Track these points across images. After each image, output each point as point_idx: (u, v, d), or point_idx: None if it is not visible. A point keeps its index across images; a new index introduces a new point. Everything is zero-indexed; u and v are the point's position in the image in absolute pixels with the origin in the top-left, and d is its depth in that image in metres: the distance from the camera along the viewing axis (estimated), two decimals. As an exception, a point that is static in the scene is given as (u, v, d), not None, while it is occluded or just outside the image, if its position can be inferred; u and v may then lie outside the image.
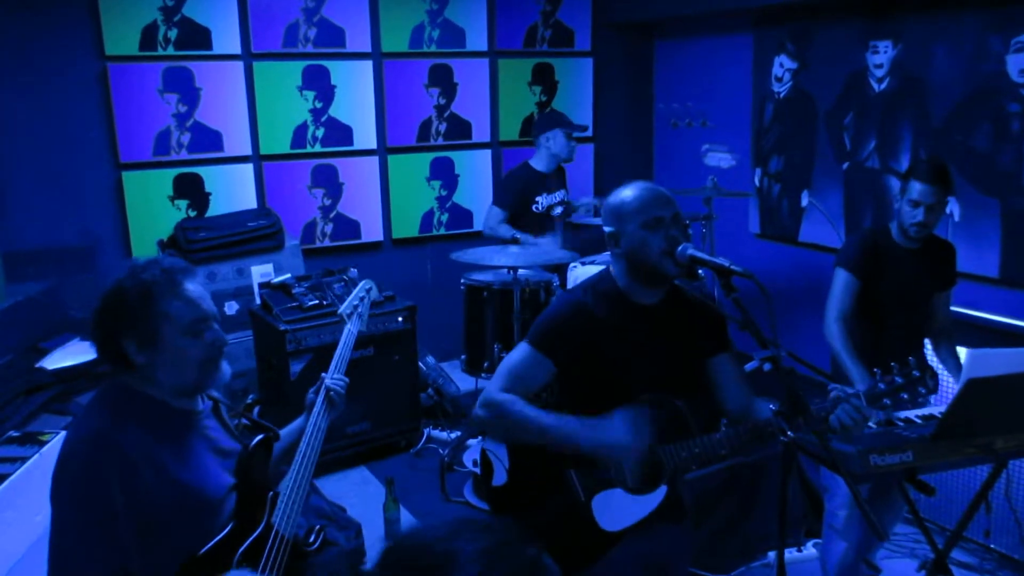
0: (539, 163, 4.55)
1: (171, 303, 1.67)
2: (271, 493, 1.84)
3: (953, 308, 3.28)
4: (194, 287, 1.72)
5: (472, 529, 0.98)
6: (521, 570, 0.95)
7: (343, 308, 2.35)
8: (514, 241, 4.26)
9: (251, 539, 1.73)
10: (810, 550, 3.59)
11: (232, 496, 1.78)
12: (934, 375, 2.04)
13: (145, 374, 1.69)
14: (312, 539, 1.94)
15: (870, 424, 2.56)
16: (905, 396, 2.03)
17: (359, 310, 2.37)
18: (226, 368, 1.80)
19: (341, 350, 2.20)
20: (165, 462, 1.64)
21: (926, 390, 2.04)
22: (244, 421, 2.06)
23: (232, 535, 1.72)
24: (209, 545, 1.67)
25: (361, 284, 2.48)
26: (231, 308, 4.23)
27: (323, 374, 2.11)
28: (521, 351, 2.12)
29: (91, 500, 1.55)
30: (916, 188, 2.90)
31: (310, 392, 2.08)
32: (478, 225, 5.33)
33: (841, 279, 3.03)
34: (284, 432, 2.06)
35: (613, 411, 2.05)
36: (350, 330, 2.29)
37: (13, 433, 2.97)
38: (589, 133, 5.65)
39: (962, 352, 3.13)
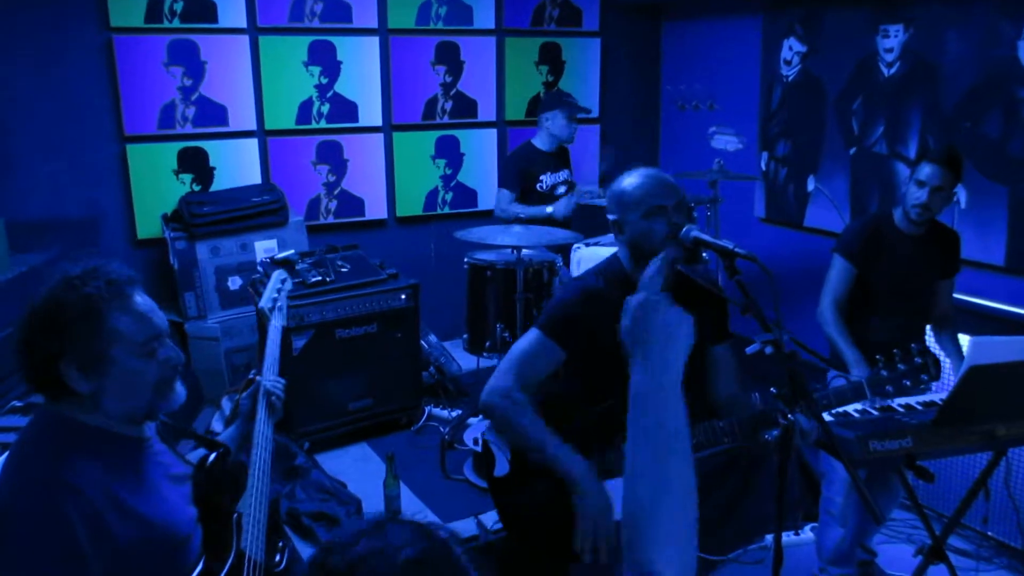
0: (541, 142, 4.54)
1: (120, 319, 1.45)
2: (235, 516, 1.67)
3: (957, 295, 3.27)
4: (143, 300, 1.52)
5: (401, 533, 0.95)
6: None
7: (263, 303, 2.22)
8: (550, 220, 4.25)
9: (225, 570, 1.57)
10: (807, 534, 3.61)
11: (199, 528, 1.61)
12: (936, 362, 2.04)
13: (88, 402, 1.46)
14: (278, 559, 1.77)
15: (871, 410, 2.57)
16: (907, 383, 2.03)
17: (278, 303, 2.25)
18: (180, 390, 1.59)
19: (271, 349, 2.07)
20: (127, 498, 1.44)
21: (928, 377, 2.04)
22: (200, 436, 1.89)
23: (206, 569, 1.56)
24: None
25: (274, 275, 2.35)
26: (234, 283, 4.23)
27: (257, 377, 1.95)
28: (531, 338, 2.12)
29: (53, 552, 1.33)
30: (924, 169, 2.88)
31: (243, 398, 1.93)
32: (483, 204, 5.32)
33: (838, 266, 3.03)
34: (228, 435, 1.93)
35: (606, 491, 2.06)
36: (275, 327, 2.14)
37: (16, 403, 2.99)
38: (595, 115, 5.62)
39: (964, 339, 3.13)
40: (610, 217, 2.16)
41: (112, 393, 1.47)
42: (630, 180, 2.12)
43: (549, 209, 4.34)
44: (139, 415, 1.54)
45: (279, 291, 2.29)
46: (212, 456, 1.70)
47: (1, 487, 1.41)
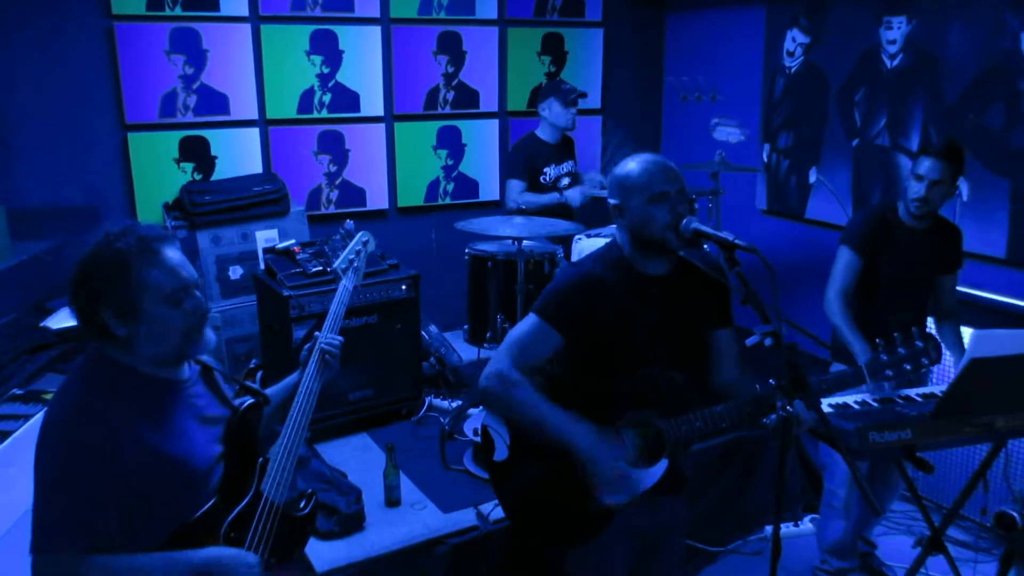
0: (544, 133, 4.54)
1: (149, 272, 1.61)
2: (260, 460, 1.80)
3: (959, 288, 3.27)
4: (173, 254, 1.66)
5: None
6: None
7: (338, 263, 2.21)
8: (563, 207, 4.23)
9: (239, 508, 1.70)
10: (807, 525, 3.63)
11: (220, 466, 1.74)
12: (937, 346, 2.04)
13: (126, 345, 1.63)
14: (303, 504, 1.89)
15: (870, 402, 2.57)
16: (908, 367, 2.02)
17: (355, 264, 2.24)
18: (211, 335, 1.73)
19: (336, 308, 2.10)
20: (146, 436, 1.60)
21: (929, 361, 2.03)
22: (244, 384, 1.98)
23: (220, 504, 1.69)
24: (196, 515, 1.65)
25: (357, 237, 2.33)
26: (235, 272, 4.23)
27: (316, 333, 2.02)
28: (529, 322, 2.10)
29: (73, 471, 1.52)
30: (924, 163, 2.88)
31: (305, 349, 2.01)
32: (484, 195, 5.31)
33: (844, 257, 3.03)
34: (275, 389, 2.00)
35: (618, 445, 2.05)
36: (345, 286, 2.17)
37: (16, 391, 3.00)
38: (597, 105, 5.61)
39: (966, 332, 3.13)
40: (611, 201, 2.13)
41: (144, 337, 1.63)
42: (633, 165, 2.10)
43: (563, 194, 4.34)
44: (170, 358, 1.69)
45: (358, 253, 2.28)
46: (248, 402, 1.84)
47: (48, 409, 1.62)
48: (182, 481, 1.65)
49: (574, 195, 4.38)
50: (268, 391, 1.97)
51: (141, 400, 1.63)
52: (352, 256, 2.26)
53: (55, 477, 1.53)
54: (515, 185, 4.45)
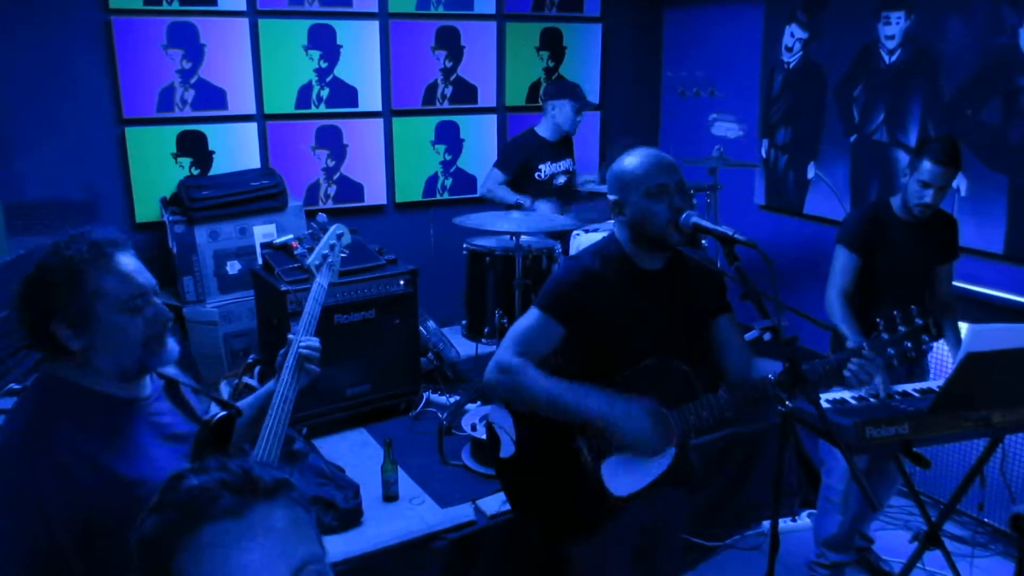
0: (544, 130, 4.53)
1: (103, 279, 1.50)
2: None
3: (957, 283, 3.27)
4: (128, 259, 1.56)
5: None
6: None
7: (311, 259, 2.11)
8: (517, 207, 4.24)
9: None
10: (804, 520, 3.64)
11: None
12: (937, 323, 2.05)
13: (82, 360, 1.52)
14: None
15: (868, 398, 2.58)
16: (909, 344, 2.02)
17: (329, 260, 2.15)
18: (173, 345, 1.61)
19: (311, 307, 2.00)
20: (103, 460, 1.49)
21: (929, 337, 2.04)
22: (214, 396, 1.86)
23: None
24: None
25: (331, 230, 2.22)
26: (233, 267, 4.22)
27: (290, 335, 1.92)
28: (531, 316, 2.10)
29: (22, 506, 1.41)
30: (928, 169, 2.87)
31: (280, 354, 1.92)
32: (483, 190, 5.31)
33: (842, 257, 3.03)
34: (248, 402, 1.91)
35: (638, 399, 2.02)
36: (319, 284, 2.08)
37: (15, 386, 2.99)
38: (595, 100, 5.60)
39: (963, 327, 3.13)
40: (611, 197, 2.14)
41: (101, 350, 1.52)
42: (631, 160, 2.11)
43: (533, 205, 4.31)
44: (131, 371, 1.57)
45: (332, 247, 2.16)
46: (218, 416, 1.72)
47: None
48: (144, 505, 1.56)
49: (540, 210, 4.33)
50: (241, 404, 1.88)
51: (96, 422, 1.52)
52: (326, 251, 2.15)
53: (4, 514, 1.42)
54: (495, 175, 4.46)
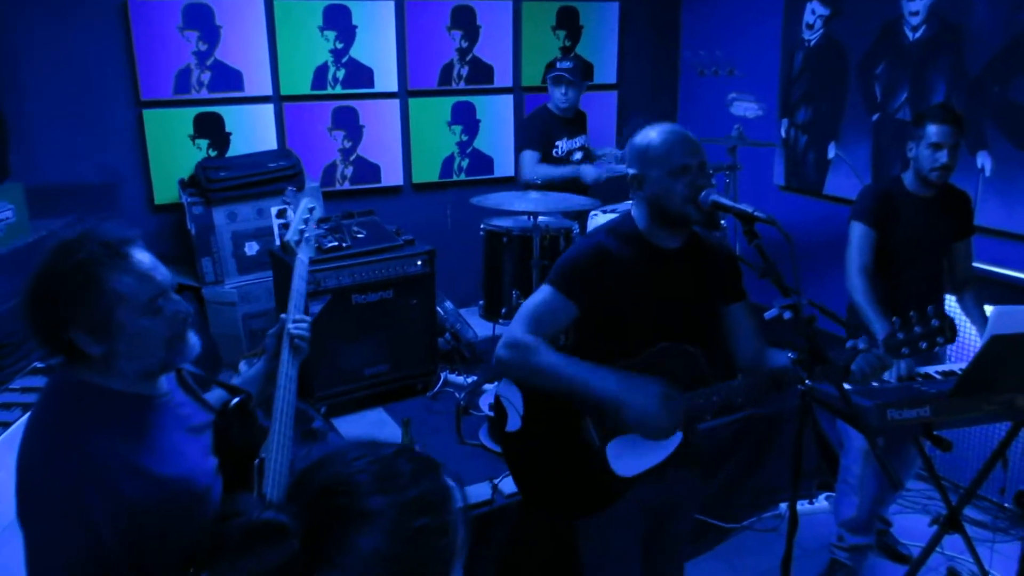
0: (555, 107, 4.51)
1: (120, 280, 1.42)
2: (257, 461, 1.67)
3: (982, 265, 3.23)
4: (143, 256, 1.48)
5: (366, 447, 1.01)
6: (422, 472, 1.01)
7: (289, 235, 2.07)
8: (573, 178, 4.21)
9: None
10: (821, 503, 3.62)
11: (219, 479, 1.61)
12: (952, 326, 2.01)
13: (101, 365, 1.45)
14: None
15: (889, 380, 2.55)
16: (924, 345, 2.00)
17: (306, 234, 2.12)
18: (194, 340, 1.56)
19: (297, 285, 1.98)
20: (141, 461, 1.44)
21: (944, 340, 2.00)
22: (219, 382, 1.85)
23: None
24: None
25: (302, 204, 2.18)
26: (251, 248, 4.24)
27: (282, 315, 1.90)
28: (543, 293, 2.07)
29: (68, 516, 1.36)
30: (935, 131, 2.85)
31: (269, 335, 1.91)
32: (499, 171, 5.29)
33: (858, 232, 2.99)
34: (248, 379, 1.91)
35: (647, 377, 2.00)
36: (301, 260, 2.04)
37: (38, 364, 3.03)
38: (612, 79, 5.56)
39: (988, 309, 3.09)
40: (630, 171, 2.08)
41: (124, 354, 1.45)
42: (654, 135, 2.05)
43: (578, 169, 4.32)
44: (155, 371, 1.53)
45: (306, 221, 2.14)
46: (233, 401, 1.69)
47: (23, 452, 1.42)
48: (188, 504, 1.51)
49: (588, 171, 4.35)
50: (242, 383, 1.87)
51: (126, 423, 1.47)
52: (301, 226, 2.13)
53: (51, 530, 1.37)
54: (530, 156, 4.42)
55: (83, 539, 1.37)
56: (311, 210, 2.20)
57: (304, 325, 1.91)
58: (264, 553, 0.92)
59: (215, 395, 1.77)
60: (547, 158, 4.44)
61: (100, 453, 1.40)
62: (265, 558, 0.92)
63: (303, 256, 2.07)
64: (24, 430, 1.47)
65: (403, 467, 1.01)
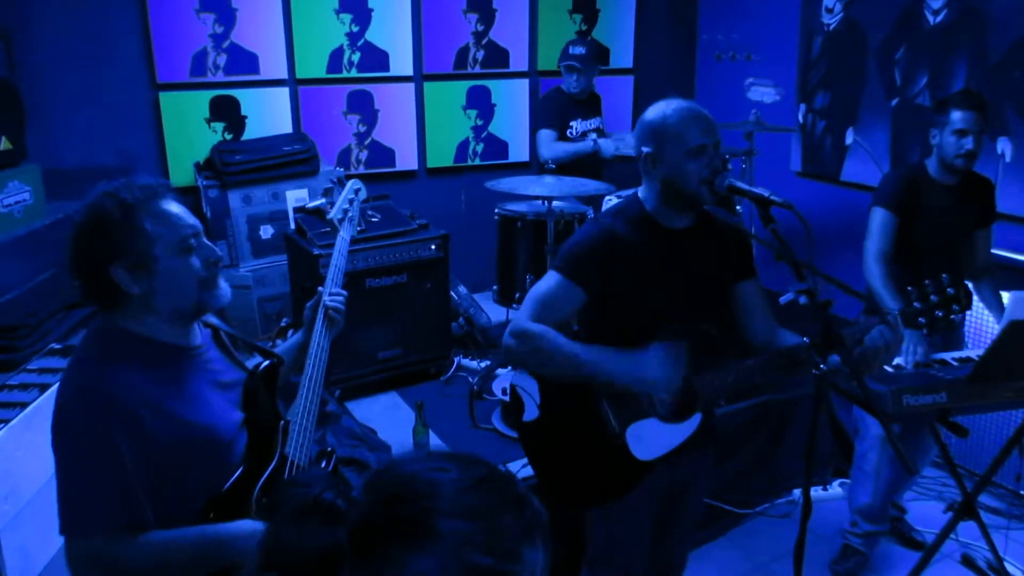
0: (567, 90, 4.49)
1: (158, 220, 1.54)
2: (282, 422, 1.76)
3: (1001, 251, 3.20)
4: (175, 203, 1.60)
5: (457, 462, 0.94)
6: (506, 505, 0.91)
7: (333, 213, 2.16)
8: (596, 170, 4.20)
9: (267, 473, 1.65)
10: (835, 489, 3.61)
11: (243, 433, 1.69)
12: (968, 294, 1.97)
13: (140, 306, 1.55)
14: (324, 464, 1.85)
15: (905, 365, 2.53)
16: (940, 314, 1.96)
17: (350, 214, 2.19)
18: (225, 288, 1.66)
19: (336, 260, 2.05)
20: (167, 404, 1.53)
21: (960, 307, 1.97)
22: (256, 345, 1.93)
23: (248, 471, 1.64)
24: (228, 483, 1.60)
25: (348, 185, 2.27)
26: (266, 232, 4.26)
27: (320, 288, 1.98)
28: (551, 279, 2.04)
29: (96, 456, 1.45)
30: (959, 117, 2.81)
31: (307, 307, 1.99)
32: (514, 156, 5.28)
33: (879, 217, 2.96)
34: (284, 348, 1.99)
35: (649, 345, 2.00)
36: (343, 237, 2.12)
37: (55, 346, 3.06)
38: (629, 64, 5.52)
39: (1005, 296, 3.06)
40: (644, 149, 2.02)
41: (162, 292, 1.54)
42: (669, 111, 1.99)
43: (596, 143, 4.32)
44: (189, 312, 1.61)
45: (351, 201, 2.22)
46: (264, 364, 1.78)
47: (60, 389, 1.54)
48: (210, 451, 1.59)
49: (607, 144, 4.34)
50: (278, 350, 1.93)
51: (157, 369, 1.55)
52: (346, 205, 2.20)
53: (80, 456, 1.47)
54: (547, 135, 4.41)
55: (108, 471, 1.45)
56: (357, 191, 2.28)
57: (340, 298, 1.98)
58: (309, 532, 0.88)
59: (255, 362, 1.84)
60: (562, 138, 4.43)
61: (125, 395, 1.48)
62: (308, 537, 0.87)
63: (345, 234, 2.15)
64: (64, 371, 1.58)
65: (486, 495, 0.91)
